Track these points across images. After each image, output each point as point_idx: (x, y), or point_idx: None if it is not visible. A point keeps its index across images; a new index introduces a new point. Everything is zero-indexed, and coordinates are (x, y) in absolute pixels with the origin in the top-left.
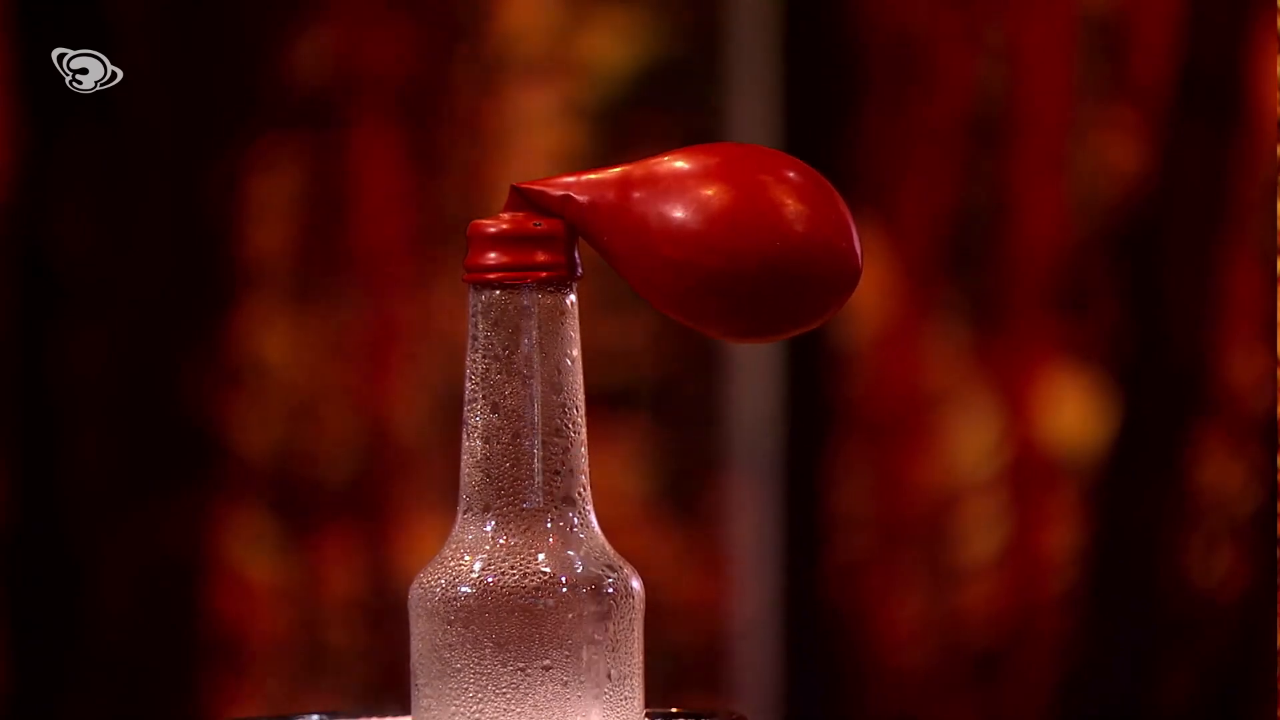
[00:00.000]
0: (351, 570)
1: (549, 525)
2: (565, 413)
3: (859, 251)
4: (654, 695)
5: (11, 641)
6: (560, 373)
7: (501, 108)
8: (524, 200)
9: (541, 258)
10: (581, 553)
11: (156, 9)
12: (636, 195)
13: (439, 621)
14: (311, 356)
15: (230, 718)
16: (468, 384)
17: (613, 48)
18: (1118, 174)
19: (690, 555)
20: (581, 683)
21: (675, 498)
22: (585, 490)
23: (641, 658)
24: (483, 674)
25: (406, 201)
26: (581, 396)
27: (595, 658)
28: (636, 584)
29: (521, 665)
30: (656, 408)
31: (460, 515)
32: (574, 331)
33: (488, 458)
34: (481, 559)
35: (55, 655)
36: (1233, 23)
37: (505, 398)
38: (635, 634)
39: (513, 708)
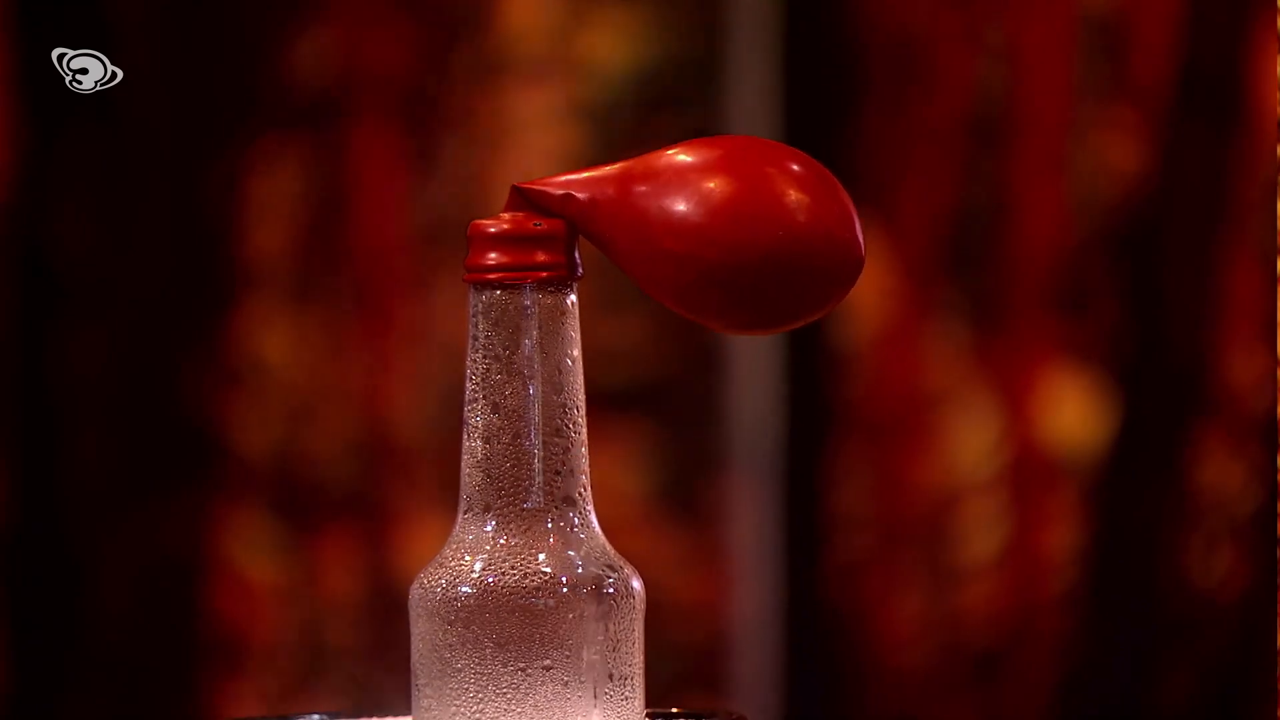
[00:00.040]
0: (351, 570)
1: (549, 525)
2: (565, 413)
3: (861, 242)
4: (654, 695)
5: (11, 641)
6: (560, 373)
7: (501, 108)
8: (524, 200)
9: (542, 258)
10: (582, 553)
11: (156, 9)
12: (637, 190)
13: (439, 621)
14: (311, 356)
15: (230, 718)
16: (468, 384)
17: (613, 48)
18: (1118, 174)
19: (690, 555)
20: (582, 683)
21: (675, 498)
22: (585, 490)
23: (641, 658)
24: (483, 674)
25: (406, 201)
26: (582, 396)
27: (595, 658)
28: (636, 584)
29: (522, 665)
30: (656, 408)
31: (460, 515)
32: (574, 331)
33: (488, 458)
34: (482, 559)
35: (55, 655)
36: (1233, 23)
37: (505, 398)
38: (635, 634)
39: (513, 708)
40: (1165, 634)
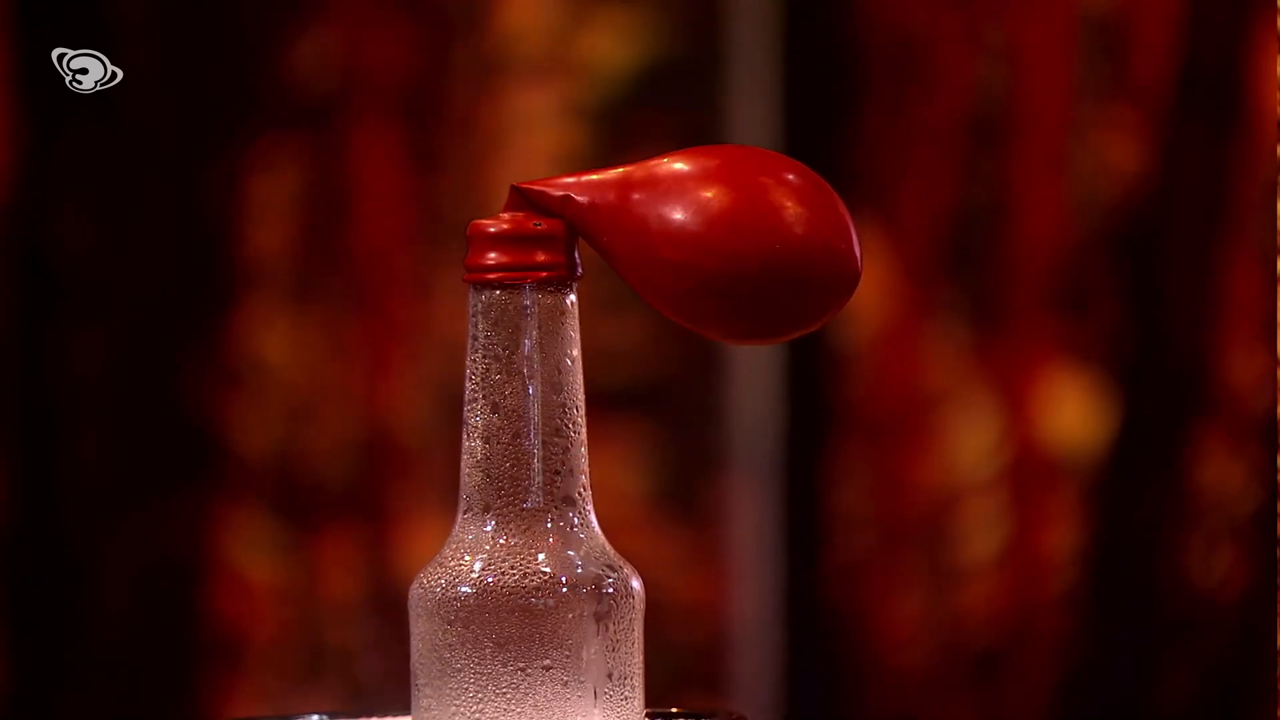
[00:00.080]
0: (351, 570)
1: (549, 525)
2: (565, 413)
3: (858, 254)
4: (654, 695)
5: (11, 641)
6: (560, 373)
7: (501, 108)
8: (524, 200)
9: (541, 258)
10: (581, 553)
11: (156, 9)
12: (636, 197)
13: (439, 621)
14: (311, 356)
15: (230, 718)
16: (468, 384)
17: (613, 48)
18: (1118, 174)
19: (690, 555)
20: (581, 683)
21: (675, 498)
22: (585, 490)
23: (641, 658)
24: (483, 674)
25: (406, 201)
26: (581, 396)
27: (595, 658)
28: (636, 584)
29: (522, 665)
30: (656, 408)
31: (460, 515)
32: (574, 331)
33: (488, 458)
34: (481, 559)
35: (55, 655)
36: (1233, 23)
37: (505, 398)
38: (635, 634)
39: (513, 708)
40: (1165, 634)
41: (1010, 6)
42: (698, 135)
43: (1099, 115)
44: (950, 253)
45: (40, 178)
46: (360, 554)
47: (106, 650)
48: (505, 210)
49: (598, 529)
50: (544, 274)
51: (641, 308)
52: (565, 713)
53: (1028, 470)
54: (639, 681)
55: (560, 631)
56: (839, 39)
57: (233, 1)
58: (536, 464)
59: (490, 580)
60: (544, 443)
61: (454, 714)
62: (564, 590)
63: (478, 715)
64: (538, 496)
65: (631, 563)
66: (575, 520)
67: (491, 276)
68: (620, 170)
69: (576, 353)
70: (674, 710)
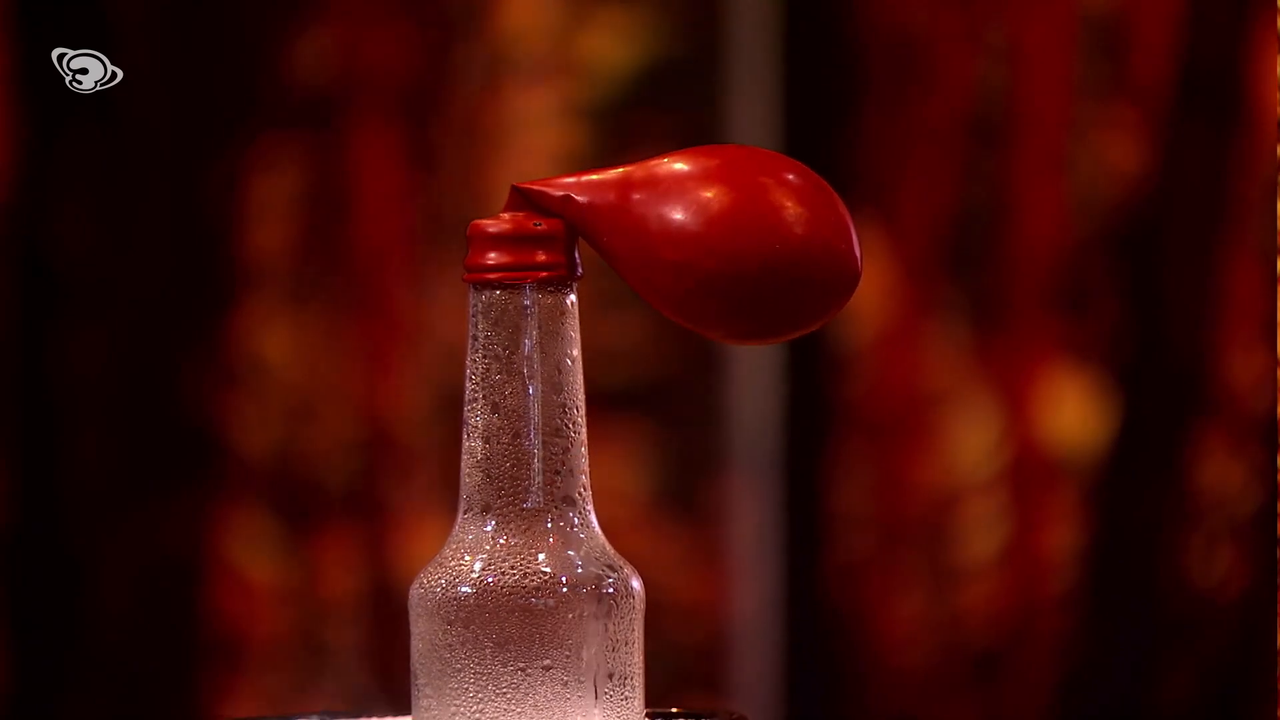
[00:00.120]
0: (351, 570)
1: (549, 525)
2: (565, 413)
3: (858, 254)
4: (654, 695)
5: (11, 641)
6: (560, 373)
7: (501, 108)
8: (524, 200)
9: (542, 258)
10: (581, 553)
11: (156, 9)
12: (637, 197)
13: (439, 621)
14: (311, 356)
15: (230, 718)
16: (468, 384)
17: (613, 48)
18: (1118, 174)
19: (690, 555)
20: (581, 683)
21: (675, 498)
22: (585, 490)
23: (641, 658)
24: (483, 674)
25: (406, 201)
26: (581, 396)
27: (595, 658)
28: (636, 584)
29: (522, 665)
30: (656, 408)
31: (460, 515)
32: (574, 331)
33: (488, 458)
34: (482, 559)
35: (55, 655)
36: (1233, 23)
37: (505, 398)
38: (635, 634)
39: (513, 708)
40: (1165, 634)
41: (1010, 6)
42: (698, 135)
43: (1099, 115)
44: (950, 253)
45: (40, 178)
46: (360, 554)
47: (106, 650)
48: (505, 210)
49: (598, 529)
50: (544, 274)
51: (641, 308)
52: (565, 713)
53: (1028, 470)
54: (639, 681)
55: (560, 631)
56: (839, 39)
57: (233, 1)
58: (536, 464)
59: (490, 580)
60: (544, 443)
61: (454, 714)
62: (564, 590)
63: (478, 715)
64: (538, 496)
65: (631, 563)
66: (575, 520)
67: (492, 276)
68: (620, 170)
69: (576, 353)
70: (674, 710)
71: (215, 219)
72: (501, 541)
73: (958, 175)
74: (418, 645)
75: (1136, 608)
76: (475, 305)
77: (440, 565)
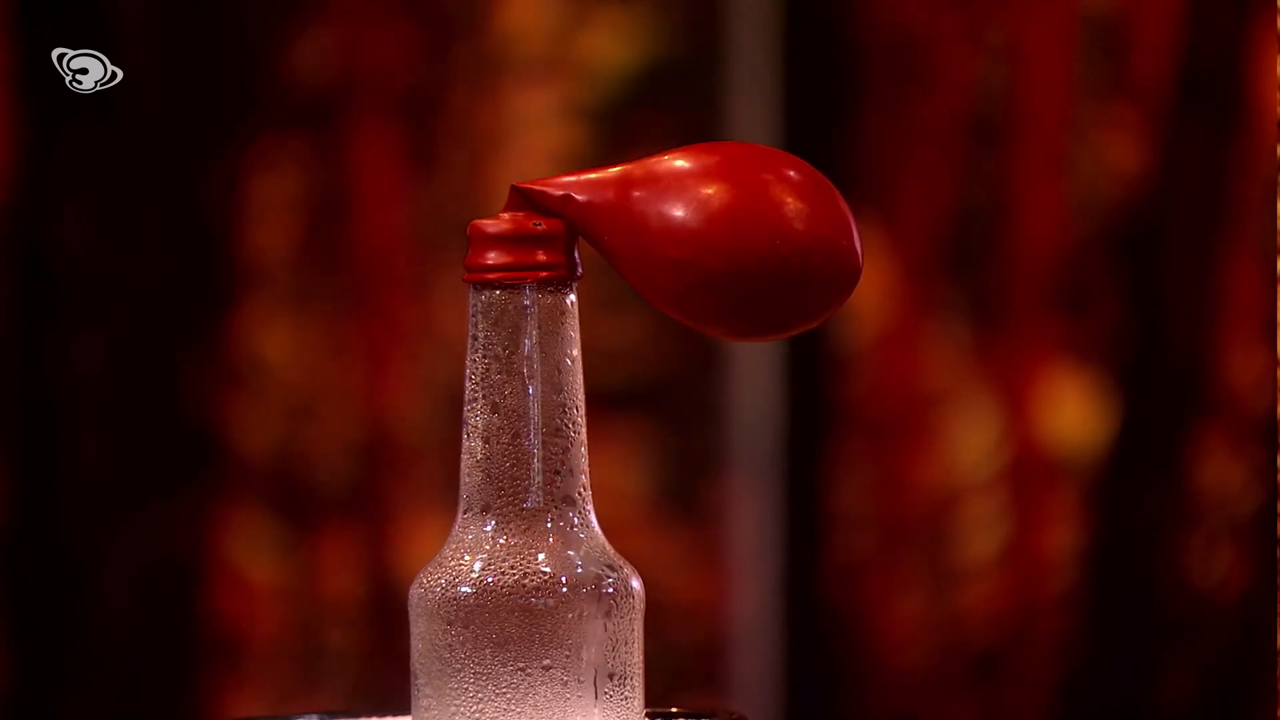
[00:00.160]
0: (351, 570)
1: (549, 525)
2: (565, 413)
3: (859, 250)
4: (654, 695)
5: (11, 641)
6: (560, 373)
7: (501, 108)
8: (524, 200)
9: (541, 257)
10: (581, 552)
11: (156, 9)
12: (636, 194)
13: (439, 621)
14: (311, 356)
15: (230, 718)
16: (468, 384)
17: (613, 48)
18: (1118, 174)
19: (690, 555)
20: (581, 683)
21: (675, 498)
22: (585, 490)
23: (641, 658)
24: (483, 674)
25: (406, 201)
26: (581, 396)
27: (595, 658)
28: (636, 584)
29: (521, 665)
30: (656, 408)
31: (460, 515)
32: (574, 331)
33: (488, 458)
34: (481, 559)
35: (55, 655)
36: (1233, 23)
37: (505, 398)
38: (635, 634)
39: (513, 708)
40: (1165, 634)
41: (1010, 6)
42: (698, 135)
43: (1099, 115)
44: (950, 253)
45: (40, 178)
46: (360, 554)
47: (106, 650)
48: (505, 210)
49: (598, 529)
50: (544, 274)
51: (641, 307)
52: (565, 713)
53: (1028, 470)
54: (639, 681)
55: (560, 631)
56: (839, 39)
57: (233, 1)
58: (536, 464)
59: (490, 580)
60: (544, 443)
61: (454, 714)
62: (564, 590)
63: (478, 715)
64: (538, 496)
65: (631, 563)
66: (575, 520)
67: (491, 276)
68: (620, 168)
69: (576, 353)
70: (674, 710)
71: (215, 219)
72: (501, 541)
73: (958, 175)
74: (417, 645)
75: (1136, 608)
76: (475, 305)
77: (440, 565)
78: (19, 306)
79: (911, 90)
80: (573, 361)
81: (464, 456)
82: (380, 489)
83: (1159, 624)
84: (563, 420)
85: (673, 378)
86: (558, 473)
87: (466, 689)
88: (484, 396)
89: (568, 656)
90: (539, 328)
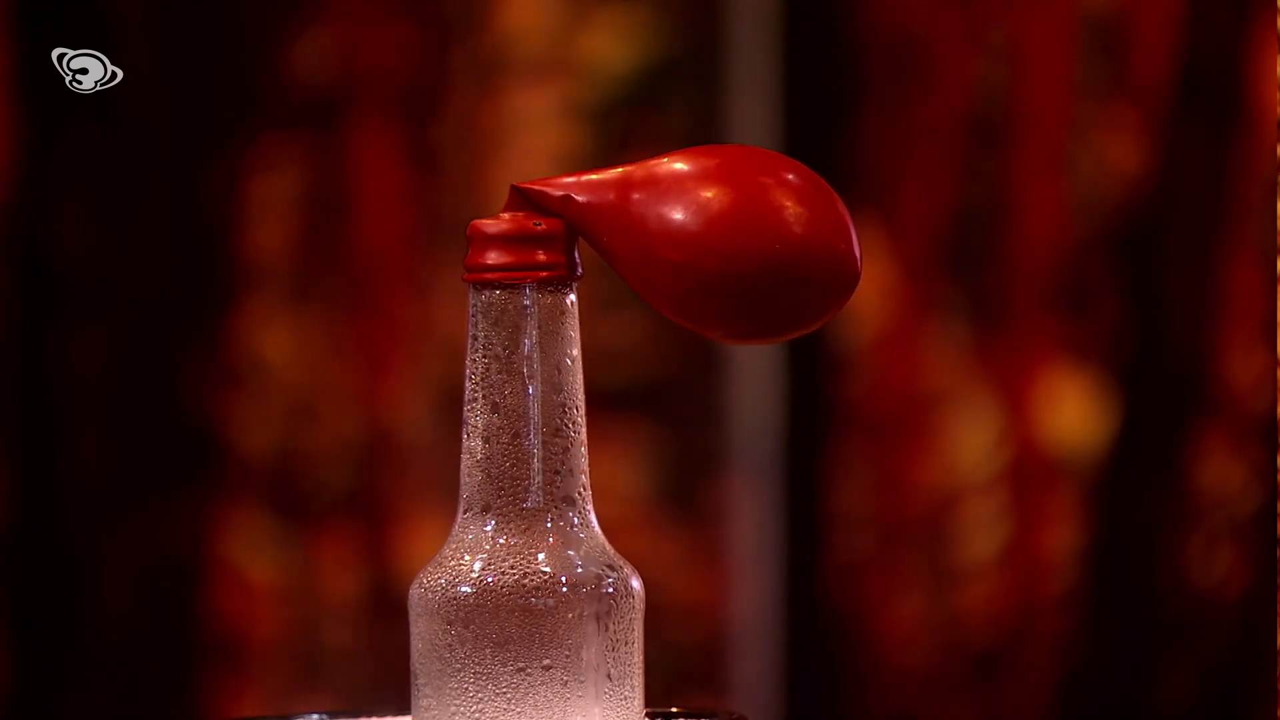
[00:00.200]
0: (351, 570)
1: (549, 525)
2: (565, 413)
3: (858, 254)
4: (654, 695)
5: (11, 641)
6: (560, 373)
7: (501, 108)
8: (524, 200)
9: (541, 257)
10: (581, 552)
11: (156, 9)
12: (636, 196)
13: (439, 621)
14: (311, 356)
15: (230, 718)
16: (468, 384)
17: (613, 48)
18: (1118, 174)
19: (690, 555)
20: (581, 683)
21: (675, 498)
22: (585, 490)
23: (641, 658)
24: (483, 674)
25: (406, 201)
26: (581, 396)
27: (595, 658)
28: (636, 584)
29: (521, 665)
30: (656, 407)
31: (460, 515)
32: (574, 331)
33: (488, 457)
34: (481, 559)
35: (55, 655)
36: (1233, 23)
37: (505, 397)
38: (635, 634)
39: (513, 708)
40: (1165, 634)
41: (1010, 6)
42: (698, 135)
43: (1099, 115)
44: (950, 253)
45: (40, 178)
46: (360, 554)
47: (106, 650)
48: (505, 210)
49: (598, 529)
50: (544, 274)
51: (641, 308)
52: (565, 713)
53: (1028, 470)
54: (639, 681)
55: (560, 631)
56: (839, 39)
57: (233, 1)
58: (536, 464)
59: (490, 580)
60: (544, 443)
61: (454, 714)
62: (564, 590)
63: (478, 715)
64: (538, 496)
65: (631, 563)
66: (575, 520)
67: (491, 276)
68: (620, 170)
69: (576, 353)
70: (674, 710)
71: (215, 219)
72: (501, 541)
73: (958, 175)
74: (417, 645)
75: (1136, 608)
76: (475, 305)
77: (440, 565)
78: (19, 306)
79: (911, 90)
80: (573, 361)
81: (464, 456)
82: (380, 489)
83: (1159, 624)
84: (563, 420)
85: (673, 378)
86: (558, 473)
87: (466, 689)
88: (484, 396)
89: (568, 656)
90: (539, 328)
